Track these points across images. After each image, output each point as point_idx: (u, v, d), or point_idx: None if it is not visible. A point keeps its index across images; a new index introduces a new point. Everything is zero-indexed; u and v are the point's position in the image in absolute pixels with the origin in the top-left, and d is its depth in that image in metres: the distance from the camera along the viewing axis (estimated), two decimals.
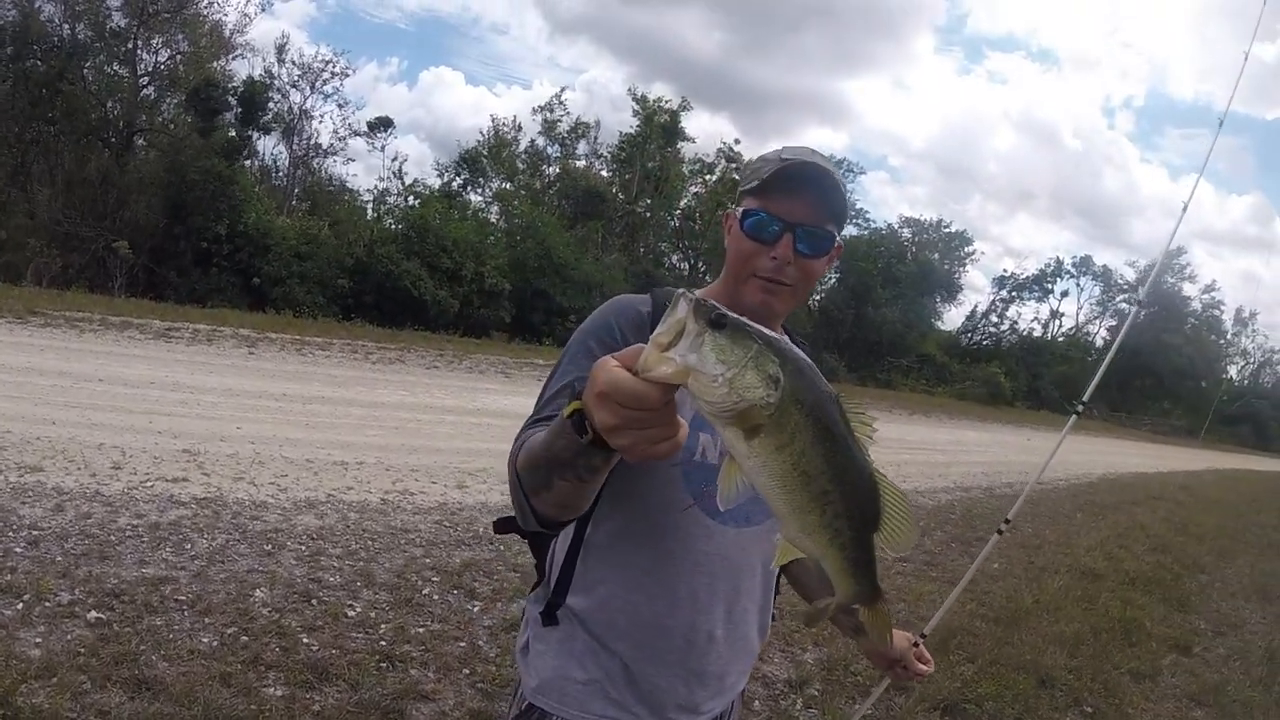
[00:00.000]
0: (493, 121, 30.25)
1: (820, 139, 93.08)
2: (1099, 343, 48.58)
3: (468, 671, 3.67)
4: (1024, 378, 40.22)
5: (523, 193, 27.91)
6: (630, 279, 27.57)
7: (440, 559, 4.91)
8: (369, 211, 26.12)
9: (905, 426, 20.12)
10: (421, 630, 3.93)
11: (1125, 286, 47.35)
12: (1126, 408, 42.23)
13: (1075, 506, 11.92)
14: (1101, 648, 5.46)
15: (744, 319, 0.90)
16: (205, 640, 3.36)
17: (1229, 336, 52.29)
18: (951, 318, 39.96)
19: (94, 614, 3.40)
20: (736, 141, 35.02)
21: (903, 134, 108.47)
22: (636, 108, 31.50)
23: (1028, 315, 55.60)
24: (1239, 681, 6.00)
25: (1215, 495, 16.55)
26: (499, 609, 4.40)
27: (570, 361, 1.35)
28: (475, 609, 4.34)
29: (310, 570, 4.32)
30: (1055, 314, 49.31)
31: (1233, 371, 52.14)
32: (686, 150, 32.90)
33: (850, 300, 34.01)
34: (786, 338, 1.50)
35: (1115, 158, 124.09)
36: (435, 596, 4.37)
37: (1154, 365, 42.24)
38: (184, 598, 3.71)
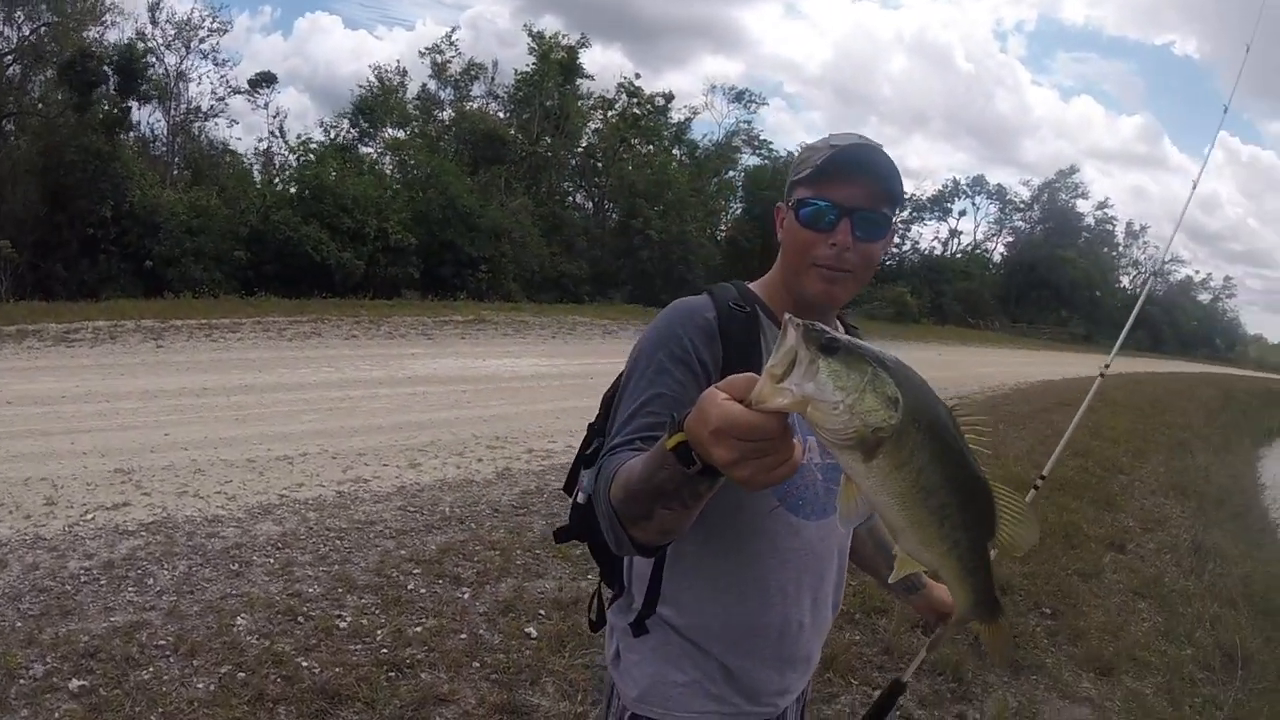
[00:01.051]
0: (375, 71, 28.73)
1: (716, 68, 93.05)
2: (997, 258, 50.31)
3: (477, 665, 3.58)
4: (928, 296, 41.32)
5: (418, 141, 26.70)
6: (538, 222, 27.10)
7: (415, 548, 4.75)
8: (255, 175, 24.78)
9: None
10: (419, 629, 3.80)
11: (1020, 205, 48.94)
12: (1026, 319, 43.90)
13: (996, 418, 12.31)
14: (1048, 553, 5.72)
15: (856, 341, 0.90)
16: (201, 685, 3.13)
17: (1121, 249, 54.79)
18: None
19: (75, 682, 3.08)
20: (636, 76, 34.52)
21: (798, 60, 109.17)
22: (532, 44, 30.56)
23: (928, 235, 56.99)
24: (1173, 573, 6.44)
25: (1121, 399, 17.29)
26: (489, 592, 4.30)
27: (642, 378, 1.34)
28: (466, 596, 4.23)
29: (286, 584, 4.09)
30: (954, 233, 50.57)
31: (1126, 281, 54.57)
32: (585, 87, 32.23)
33: (758, 231, 34.16)
34: (842, 326, 1.55)
35: (1007, 80, 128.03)
36: (422, 590, 4.22)
37: (1051, 278, 44.08)
38: (164, 642, 3.43)
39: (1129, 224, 55.76)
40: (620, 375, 1.52)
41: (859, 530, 1.70)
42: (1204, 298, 59.10)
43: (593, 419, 1.60)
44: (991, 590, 1.12)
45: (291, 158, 24.81)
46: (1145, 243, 55.22)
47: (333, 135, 26.39)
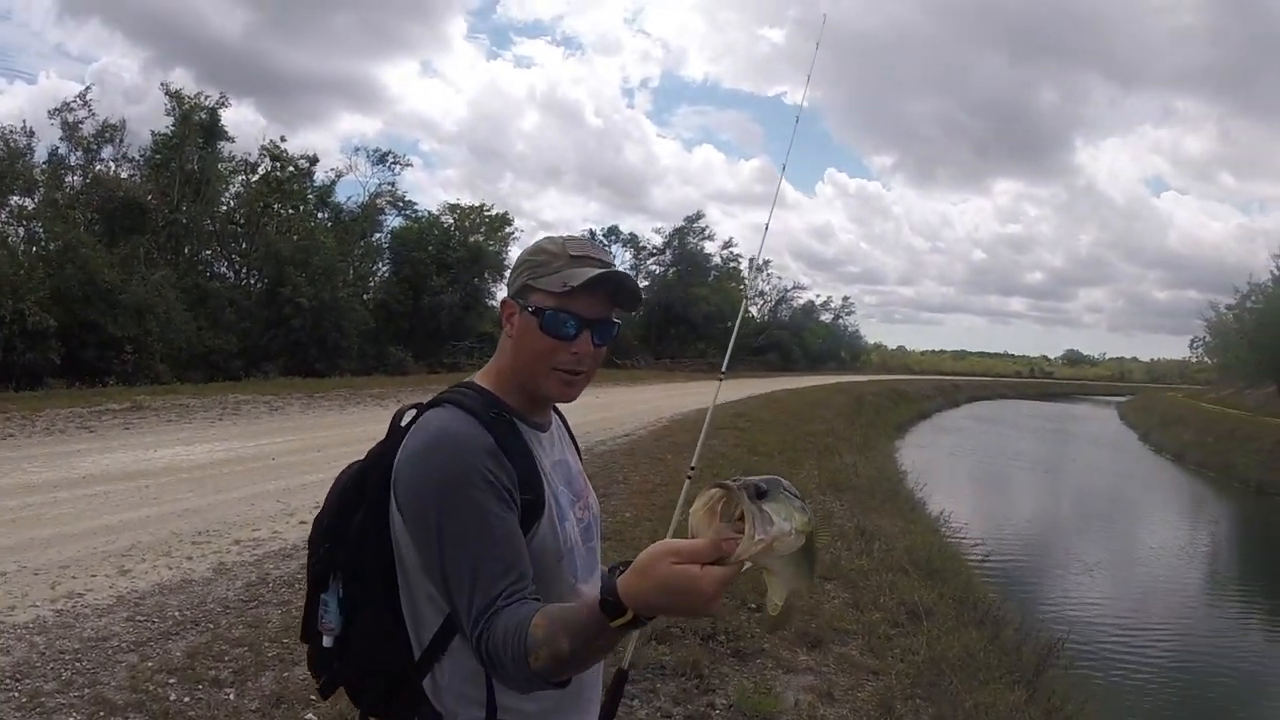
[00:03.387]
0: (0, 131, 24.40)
1: (352, 126, 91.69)
2: None
3: None
4: None
5: (49, 212, 23.62)
6: (181, 295, 25.18)
7: (161, 657, 4.60)
8: None
9: None
10: None
11: (653, 250, 52.92)
12: (668, 354, 47.40)
13: (663, 449, 13.36)
14: None
15: (758, 479, 1.14)
16: None
17: (748, 281, 60.30)
18: (503, 295, 41.39)
19: None
20: (282, 139, 32.84)
21: (434, 118, 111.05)
22: (170, 104, 28.28)
23: None
24: (847, 555, 7.60)
25: (767, 417, 19.16)
26: (253, 688, 4.33)
27: (465, 524, 1.35)
28: (231, 696, 4.24)
29: (43, 718, 3.85)
30: None
31: (755, 311, 60.27)
32: (227, 150, 30.41)
33: (408, 291, 34.21)
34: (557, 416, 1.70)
35: (634, 133, 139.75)
36: (186, 699, 4.16)
37: (686, 315, 48.09)
38: None
39: (752, 259, 61.79)
40: (335, 504, 1.56)
41: None
42: (826, 318, 67.47)
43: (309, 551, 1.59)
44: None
45: None
46: (769, 275, 61.67)
47: None
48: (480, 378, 1.58)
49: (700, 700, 4.48)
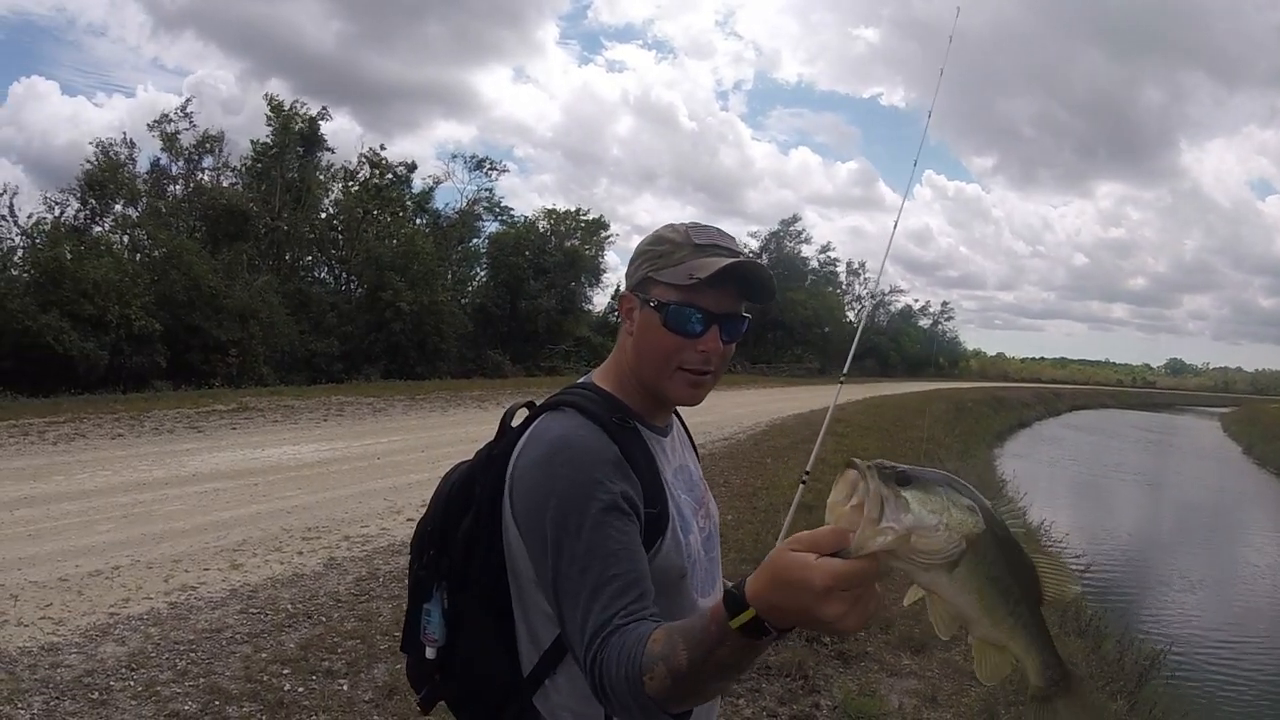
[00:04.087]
0: (99, 144, 25.43)
1: (448, 133, 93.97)
2: None
3: None
4: None
5: (152, 220, 24.62)
6: (285, 301, 26.04)
7: (274, 649, 4.71)
8: None
9: None
10: None
11: (751, 255, 52.51)
12: (765, 359, 46.97)
13: (762, 454, 13.25)
14: None
15: (910, 466, 0.93)
16: None
17: (844, 286, 59.53)
18: (599, 299, 41.50)
19: None
20: (381, 147, 33.80)
21: (528, 124, 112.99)
22: (270, 115, 29.32)
23: None
24: None
25: (866, 422, 18.88)
26: (366, 679, 4.40)
27: (580, 540, 1.22)
28: (345, 687, 4.31)
29: (158, 706, 3.95)
30: None
31: (851, 315, 59.35)
32: (325, 159, 31.41)
33: (505, 296, 34.67)
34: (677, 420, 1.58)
35: (729, 136, 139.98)
36: (300, 689, 4.25)
37: (784, 320, 47.50)
38: None
39: (849, 263, 60.82)
40: (442, 508, 1.45)
41: None
42: (924, 323, 65.93)
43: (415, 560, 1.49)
44: (1054, 650, 1.06)
45: (21, 240, 22.35)
46: (865, 279, 60.61)
47: (60, 213, 23.90)
48: (599, 377, 1.47)
49: (805, 701, 4.40)
